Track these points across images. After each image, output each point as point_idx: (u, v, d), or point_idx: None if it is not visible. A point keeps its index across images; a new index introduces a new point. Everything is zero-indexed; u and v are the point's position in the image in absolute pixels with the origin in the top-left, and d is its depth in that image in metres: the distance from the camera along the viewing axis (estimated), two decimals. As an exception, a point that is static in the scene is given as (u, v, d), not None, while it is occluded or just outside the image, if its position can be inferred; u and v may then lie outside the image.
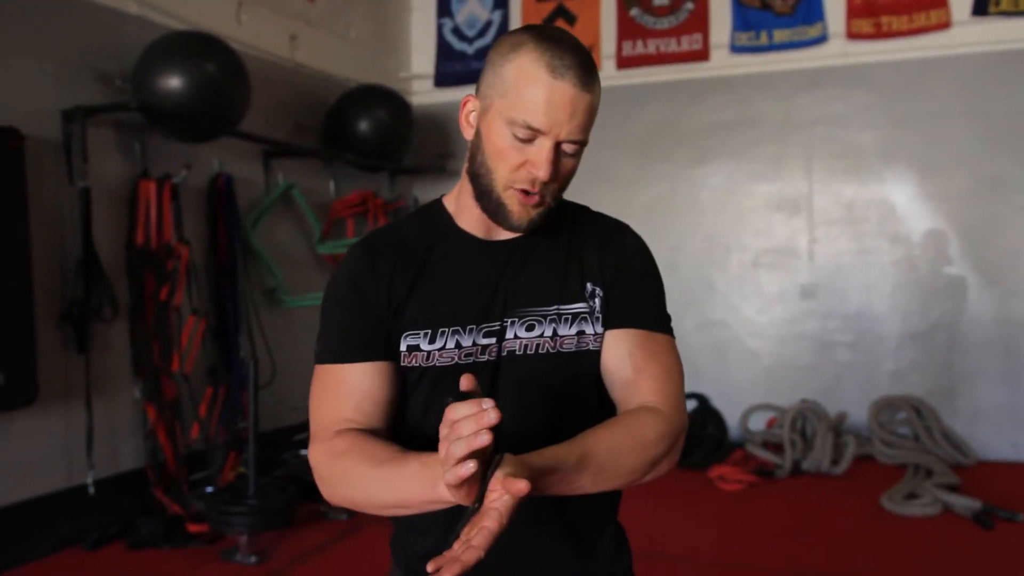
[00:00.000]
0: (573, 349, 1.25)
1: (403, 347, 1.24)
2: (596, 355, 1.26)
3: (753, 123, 5.80)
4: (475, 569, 0.95)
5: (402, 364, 1.24)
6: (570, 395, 1.26)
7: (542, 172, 1.16)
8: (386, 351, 1.23)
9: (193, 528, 3.91)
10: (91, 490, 3.91)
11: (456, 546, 0.97)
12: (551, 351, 1.25)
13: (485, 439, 0.92)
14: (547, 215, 1.23)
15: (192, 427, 4.34)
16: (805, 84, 5.68)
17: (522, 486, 0.93)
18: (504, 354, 1.24)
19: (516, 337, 1.24)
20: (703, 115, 5.89)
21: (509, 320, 1.24)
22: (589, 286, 1.27)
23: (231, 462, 4.46)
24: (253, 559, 3.69)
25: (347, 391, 1.22)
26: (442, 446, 0.96)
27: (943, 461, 4.94)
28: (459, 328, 1.23)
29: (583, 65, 1.16)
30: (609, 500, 1.34)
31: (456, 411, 0.95)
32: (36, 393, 3.57)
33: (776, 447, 5.28)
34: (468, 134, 1.23)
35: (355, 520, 4.28)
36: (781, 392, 5.67)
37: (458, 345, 1.23)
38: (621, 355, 1.24)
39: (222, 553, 3.77)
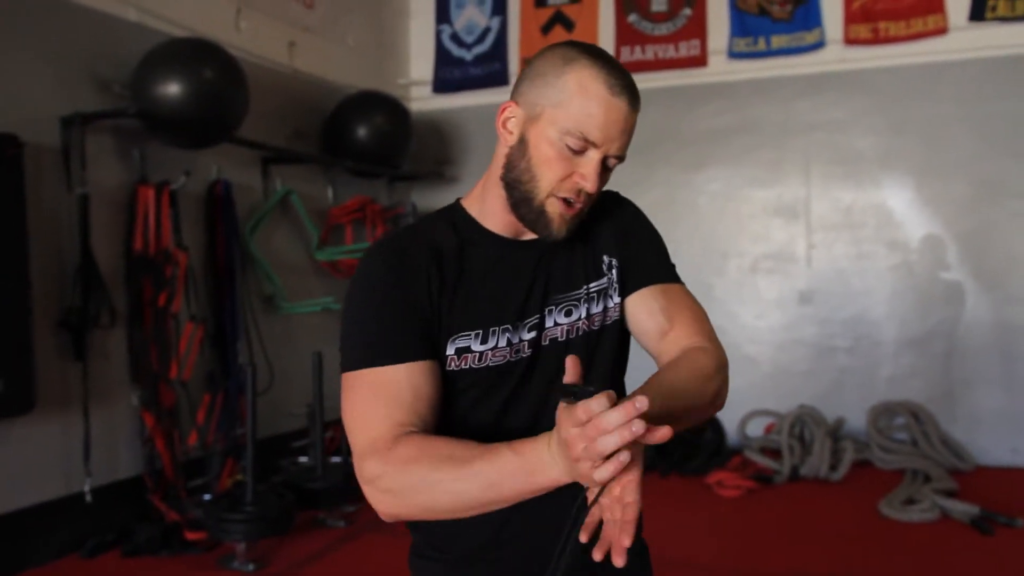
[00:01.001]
0: (601, 325, 1.32)
1: (451, 351, 1.22)
2: (617, 325, 1.33)
3: (751, 129, 5.81)
4: (508, 552, 1.03)
5: (449, 368, 1.22)
6: (598, 368, 1.31)
7: (590, 184, 1.20)
8: (432, 350, 1.21)
9: (191, 535, 3.90)
10: (88, 498, 3.90)
11: (603, 516, 1.02)
12: (586, 330, 1.30)
13: (640, 427, 0.91)
14: (580, 222, 1.28)
15: (190, 434, 4.33)
16: (803, 90, 5.69)
17: (666, 431, 0.95)
18: (546, 343, 1.28)
19: (556, 324, 1.29)
20: (701, 121, 5.90)
21: (547, 309, 1.28)
22: (606, 259, 1.33)
23: (229, 469, 4.45)
24: (251, 566, 3.68)
25: (398, 393, 1.16)
26: (576, 443, 0.94)
27: (941, 466, 4.94)
28: (508, 326, 1.25)
29: (634, 87, 1.23)
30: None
31: (590, 407, 0.94)
32: (34, 401, 3.57)
33: (774, 453, 5.28)
34: (507, 140, 1.25)
35: (353, 527, 4.27)
36: (779, 398, 5.67)
37: (508, 343, 1.25)
38: (653, 310, 1.31)
39: (220, 560, 3.76)
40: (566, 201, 1.21)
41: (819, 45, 5.64)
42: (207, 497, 4.16)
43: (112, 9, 4.17)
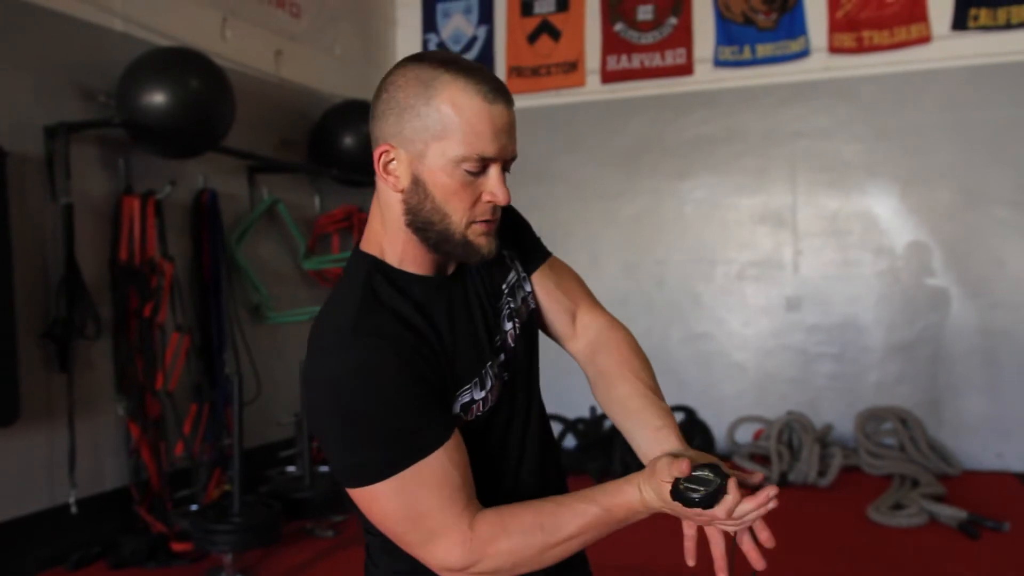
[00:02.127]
0: (528, 315, 1.33)
1: (457, 409, 1.17)
2: (535, 312, 1.35)
3: (737, 137, 5.84)
4: None
5: (462, 426, 1.17)
6: (533, 356, 1.34)
7: (502, 198, 1.14)
8: (453, 416, 1.16)
9: (177, 547, 3.87)
10: (74, 509, 3.86)
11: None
12: (522, 325, 1.30)
13: (773, 504, 1.16)
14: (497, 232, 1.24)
15: (176, 445, 4.30)
16: (788, 98, 5.72)
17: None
18: (509, 356, 1.27)
19: (506, 333, 1.28)
20: (687, 129, 5.92)
21: (501, 326, 1.27)
22: (505, 253, 1.31)
23: (216, 479, 4.42)
24: (238, 578, 3.66)
25: (447, 478, 1.09)
26: (715, 522, 1.15)
27: (929, 471, 4.96)
28: (490, 361, 1.22)
29: (502, 84, 1.15)
30: None
31: (729, 505, 1.12)
32: (18, 412, 3.53)
33: (763, 459, 5.29)
34: (396, 185, 1.16)
35: (341, 537, 4.25)
36: (767, 404, 5.69)
37: (496, 376, 1.22)
38: (550, 290, 1.37)
39: (207, 572, 3.73)
40: (484, 222, 1.16)
41: (804, 54, 5.68)
42: (194, 508, 4.13)
43: (97, 19, 4.16)
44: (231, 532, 3.68)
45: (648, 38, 5.98)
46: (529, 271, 1.35)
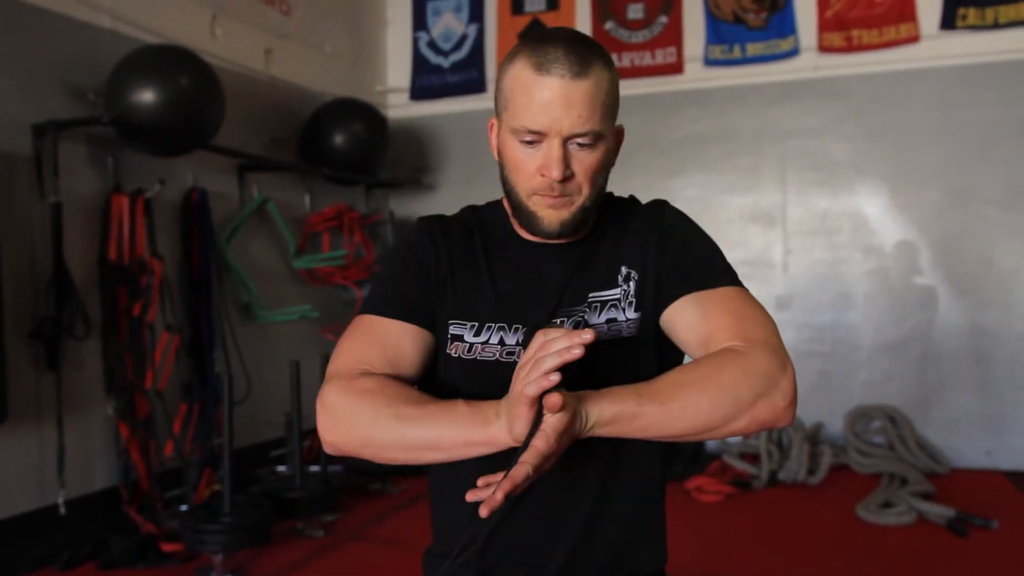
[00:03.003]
0: (610, 339, 1.21)
1: (447, 334, 1.24)
2: (632, 342, 1.21)
3: (727, 136, 5.85)
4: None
5: (446, 351, 1.24)
6: (596, 381, 1.15)
7: (554, 171, 1.14)
8: (430, 322, 1.24)
9: (167, 547, 3.86)
10: (63, 510, 3.84)
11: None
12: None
13: (578, 352, 0.96)
14: (582, 216, 1.21)
15: (166, 444, 4.29)
16: (778, 97, 5.74)
17: (556, 398, 0.97)
18: None
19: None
20: (678, 128, 5.93)
21: (559, 321, 1.22)
22: (624, 269, 1.25)
23: (206, 479, 4.40)
24: (228, 578, 3.65)
25: (384, 342, 1.21)
26: (526, 366, 1.00)
27: (917, 470, 4.99)
28: (505, 325, 1.23)
29: (572, 54, 1.12)
30: (644, 515, 1.40)
31: (547, 333, 1.00)
32: (6, 412, 3.51)
33: (753, 458, 5.31)
34: (495, 154, 1.27)
35: (332, 537, 4.25)
36: (757, 403, 5.69)
37: (502, 342, 1.22)
38: (692, 322, 1.19)
39: (197, 572, 3.72)
40: (547, 196, 1.18)
41: (794, 53, 5.69)
42: (184, 508, 4.12)
43: (86, 16, 4.13)
44: (221, 532, 3.67)
45: (638, 37, 5.99)
46: (665, 300, 1.22)
